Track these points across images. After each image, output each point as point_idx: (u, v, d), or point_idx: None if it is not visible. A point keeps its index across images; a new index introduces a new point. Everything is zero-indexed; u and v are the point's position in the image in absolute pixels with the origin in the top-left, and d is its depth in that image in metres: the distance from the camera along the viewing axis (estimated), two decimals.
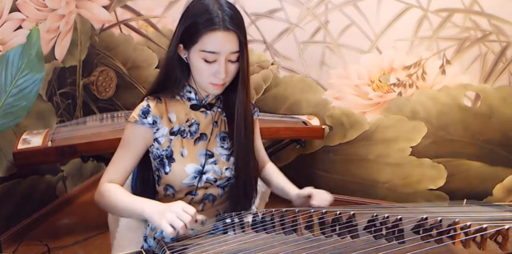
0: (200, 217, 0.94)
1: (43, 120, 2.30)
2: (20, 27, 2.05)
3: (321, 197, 1.08)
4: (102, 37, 2.65)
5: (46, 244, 2.06)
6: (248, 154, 1.15)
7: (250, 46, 2.40)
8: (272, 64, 2.42)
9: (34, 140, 1.93)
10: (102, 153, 2.01)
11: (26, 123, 2.13)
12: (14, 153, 1.84)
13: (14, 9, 2.01)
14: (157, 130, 1.10)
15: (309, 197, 1.09)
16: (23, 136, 1.98)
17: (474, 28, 2.10)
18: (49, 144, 1.88)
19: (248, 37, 2.57)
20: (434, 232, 0.87)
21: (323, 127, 2.28)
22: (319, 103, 2.43)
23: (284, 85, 2.45)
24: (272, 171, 1.29)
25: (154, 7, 2.51)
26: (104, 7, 2.58)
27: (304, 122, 2.29)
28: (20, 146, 1.87)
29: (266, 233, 0.95)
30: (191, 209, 0.91)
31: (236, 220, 1.03)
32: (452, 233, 0.85)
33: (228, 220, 1.03)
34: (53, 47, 2.35)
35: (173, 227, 0.88)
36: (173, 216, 0.88)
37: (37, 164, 2.06)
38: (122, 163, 1.08)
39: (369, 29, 2.23)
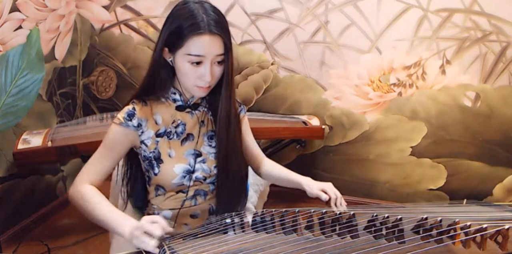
0: (168, 229, 0.94)
1: (43, 120, 2.30)
2: (20, 27, 2.05)
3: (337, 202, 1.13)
4: (102, 37, 2.65)
5: (46, 244, 2.06)
6: (231, 153, 1.16)
7: (250, 46, 2.41)
8: (272, 64, 2.42)
9: (34, 140, 1.93)
10: None
11: (26, 123, 2.13)
12: (14, 153, 1.84)
13: (14, 9, 2.01)
14: (142, 132, 1.11)
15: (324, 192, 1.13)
16: (23, 136, 1.98)
17: (474, 28, 2.10)
18: (49, 144, 1.88)
19: (248, 37, 2.58)
20: (434, 232, 0.87)
21: (323, 126, 2.28)
22: (319, 103, 2.43)
23: (284, 85, 2.45)
24: (271, 166, 1.30)
25: (154, 7, 2.51)
26: (104, 7, 2.58)
27: (304, 122, 2.29)
28: (20, 146, 1.87)
29: (266, 233, 0.96)
30: (152, 219, 0.93)
31: (236, 220, 1.03)
32: (452, 233, 0.85)
33: (228, 220, 1.03)
34: (53, 47, 2.35)
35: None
36: (137, 233, 0.91)
37: (37, 164, 2.06)
38: (103, 163, 1.10)
39: (369, 29, 2.23)
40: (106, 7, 2.58)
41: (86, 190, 1.05)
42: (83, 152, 1.90)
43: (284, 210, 1.01)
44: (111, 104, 2.77)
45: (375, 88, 2.32)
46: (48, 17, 2.25)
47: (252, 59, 2.42)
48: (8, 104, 1.48)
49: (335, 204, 1.13)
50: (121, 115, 1.11)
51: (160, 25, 2.52)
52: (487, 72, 2.15)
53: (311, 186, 1.16)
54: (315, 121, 2.31)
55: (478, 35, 2.11)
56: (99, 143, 1.86)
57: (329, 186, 1.15)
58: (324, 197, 1.12)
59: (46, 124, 2.31)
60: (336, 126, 2.44)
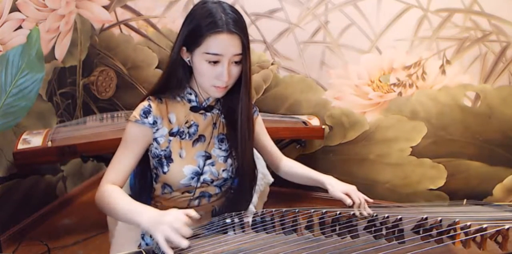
0: (188, 232, 0.88)
1: (43, 120, 2.30)
2: (20, 27, 2.04)
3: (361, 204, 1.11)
4: (102, 37, 2.65)
5: (46, 244, 2.06)
6: (250, 156, 1.17)
7: (250, 46, 2.40)
8: (272, 64, 2.42)
9: (34, 140, 1.93)
10: (102, 153, 2.01)
11: (26, 123, 2.13)
12: (14, 153, 1.84)
13: (14, 9, 2.01)
14: (157, 130, 1.11)
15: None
16: (23, 136, 1.98)
17: (474, 28, 2.10)
18: (49, 144, 1.87)
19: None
20: (434, 232, 0.87)
21: (323, 127, 2.28)
22: (319, 103, 2.43)
23: (284, 85, 2.45)
24: (291, 165, 1.32)
25: (154, 7, 2.51)
26: (104, 7, 2.58)
27: (304, 122, 2.29)
28: (20, 146, 1.87)
29: (266, 233, 0.96)
30: (184, 219, 0.88)
31: (236, 220, 1.03)
32: (452, 233, 0.85)
33: (228, 220, 1.03)
34: (53, 47, 2.35)
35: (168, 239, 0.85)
36: (168, 229, 0.86)
37: (37, 164, 2.06)
38: (123, 162, 1.09)
39: (369, 29, 2.23)
40: (106, 7, 2.58)
41: (107, 188, 1.04)
42: (83, 152, 1.90)
43: (284, 210, 1.01)
44: (111, 104, 2.77)
45: (375, 88, 2.32)
46: (48, 17, 2.25)
47: (252, 59, 2.42)
48: (8, 104, 1.48)
49: (359, 209, 1.11)
50: (136, 112, 1.10)
51: (160, 25, 2.54)
52: (487, 72, 2.15)
53: (335, 186, 1.16)
54: (315, 121, 2.31)
55: (478, 35, 2.11)
56: (99, 143, 1.88)
57: (353, 190, 1.15)
58: (348, 202, 1.11)
59: (46, 125, 2.31)
60: (336, 126, 2.44)
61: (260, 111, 2.64)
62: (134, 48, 2.62)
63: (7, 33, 1.98)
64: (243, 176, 1.17)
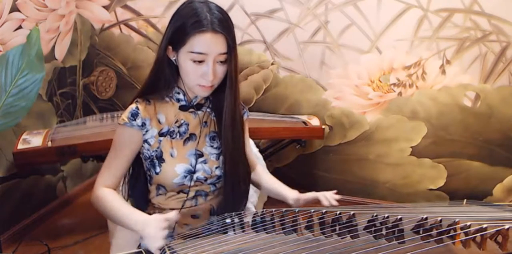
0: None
1: (43, 120, 2.30)
2: (20, 27, 2.05)
3: (328, 197, 1.13)
4: (102, 37, 2.65)
5: (46, 244, 2.05)
6: (236, 153, 1.16)
7: (250, 46, 2.41)
8: (272, 64, 2.42)
9: (34, 140, 1.93)
10: (102, 153, 2.01)
11: (26, 123, 2.13)
12: (14, 153, 1.84)
13: (14, 9, 2.01)
14: (146, 131, 1.12)
15: (315, 201, 1.14)
16: (23, 136, 1.98)
17: (474, 28, 2.10)
18: (49, 144, 1.88)
19: (248, 37, 2.58)
20: (434, 232, 0.87)
21: (323, 127, 2.28)
22: (319, 103, 2.43)
23: (284, 85, 2.45)
24: (260, 173, 1.31)
25: (154, 7, 2.51)
26: (104, 7, 2.58)
27: (304, 122, 2.29)
28: (20, 146, 1.87)
29: (266, 233, 0.96)
30: (164, 223, 0.93)
31: (236, 220, 1.03)
32: (452, 233, 0.85)
33: (228, 220, 1.03)
34: (53, 47, 2.35)
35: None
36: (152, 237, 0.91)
37: (37, 164, 2.06)
38: (115, 166, 1.11)
39: (369, 29, 2.23)
40: (106, 7, 2.58)
41: (102, 192, 1.08)
42: (83, 152, 1.90)
43: (284, 210, 1.01)
44: (111, 104, 2.77)
45: (375, 88, 2.32)
46: (48, 17, 2.25)
47: (252, 59, 2.42)
48: (8, 104, 1.48)
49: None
50: (125, 115, 1.11)
51: (160, 25, 2.53)
52: (487, 72, 2.15)
53: (302, 199, 1.16)
54: (315, 121, 2.31)
55: (478, 35, 2.11)
56: (99, 143, 1.88)
57: (323, 195, 1.14)
58: (311, 197, 1.14)
59: (46, 124, 2.31)
60: (336, 126, 2.44)
61: (260, 111, 2.64)
62: (134, 48, 2.62)
63: (7, 33, 1.98)
64: (228, 174, 1.17)
